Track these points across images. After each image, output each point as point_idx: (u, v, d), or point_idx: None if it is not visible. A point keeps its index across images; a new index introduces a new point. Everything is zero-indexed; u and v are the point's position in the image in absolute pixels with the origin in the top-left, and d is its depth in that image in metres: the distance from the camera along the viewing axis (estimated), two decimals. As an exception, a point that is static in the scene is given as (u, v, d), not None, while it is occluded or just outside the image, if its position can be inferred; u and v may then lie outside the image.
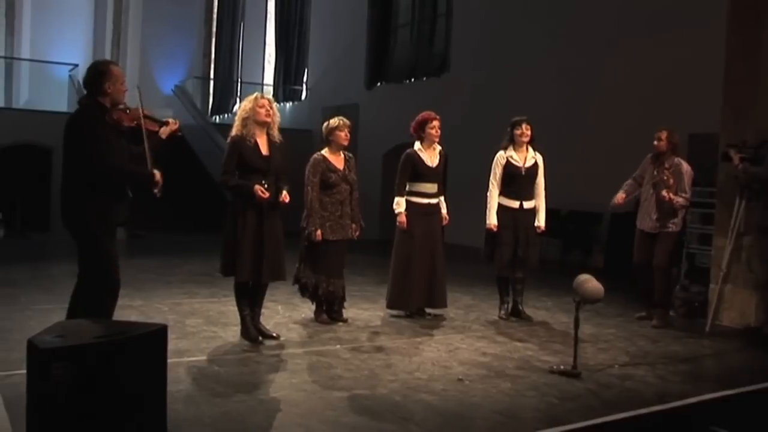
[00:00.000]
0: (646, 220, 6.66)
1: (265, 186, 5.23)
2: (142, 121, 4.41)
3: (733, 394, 4.70)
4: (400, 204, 6.40)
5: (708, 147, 7.65)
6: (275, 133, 5.43)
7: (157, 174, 4.36)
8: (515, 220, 6.48)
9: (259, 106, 5.32)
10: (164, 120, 4.61)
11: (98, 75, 4.31)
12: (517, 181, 6.48)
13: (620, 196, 6.83)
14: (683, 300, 7.10)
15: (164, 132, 4.56)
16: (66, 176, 4.39)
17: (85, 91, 4.43)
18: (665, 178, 6.43)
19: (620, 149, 9.80)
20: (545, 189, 6.58)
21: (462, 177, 11.79)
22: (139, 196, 4.50)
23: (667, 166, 6.50)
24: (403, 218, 6.35)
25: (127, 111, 4.41)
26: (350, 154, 6.26)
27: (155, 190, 4.37)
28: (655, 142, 6.61)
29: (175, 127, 4.60)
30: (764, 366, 5.53)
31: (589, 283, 4.83)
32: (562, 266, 10.30)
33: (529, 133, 6.49)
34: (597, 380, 4.77)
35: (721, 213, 6.93)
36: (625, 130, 10.10)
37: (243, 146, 5.27)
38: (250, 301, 5.50)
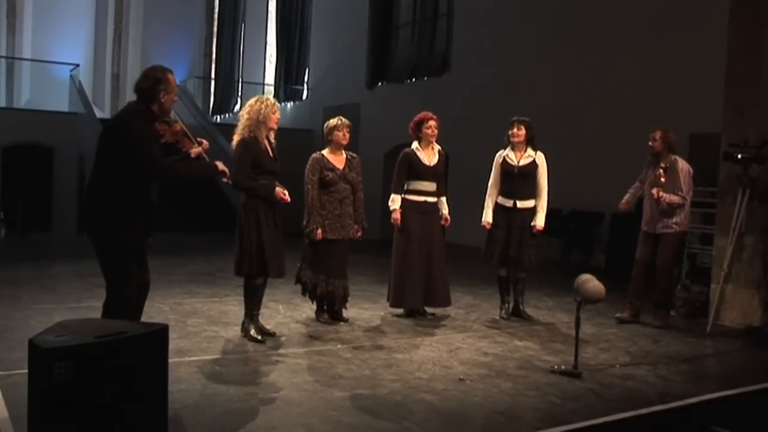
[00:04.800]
0: (648, 220, 6.66)
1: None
2: (182, 139, 4.31)
3: (735, 394, 4.70)
4: (395, 201, 6.41)
5: (710, 146, 7.65)
6: (272, 135, 5.55)
7: (220, 163, 4.33)
8: (509, 219, 6.48)
9: (273, 112, 5.42)
10: (198, 140, 4.47)
11: (155, 82, 4.09)
12: (511, 180, 6.48)
13: (626, 200, 6.83)
14: (684, 300, 7.09)
15: (195, 152, 4.40)
16: (101, 183, 4.12)
17: (136, 96, 4.19)
18: (659, 176, 6.44)
19: (622, 148, 9.80)
20: (548, 189, 6.57)
21: (462, 177, 11.78)
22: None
23: (662, 165, 6.51)
24: (397, 215, 6.36)
25: (169, 125, 4.26)
26: (354, 155, 6.26)
27: (224, 179, 4.41)
28: (650, 143, 6.63)
29: (206, 148, 4.46)
30: (766, 366, 5.53)
31: (590, 282, 4.83)
32: (563, 266, 10.30)
33: (521, 133, 6.47)
34: (598, 380, 4.77)
35: (722, 213, 6.93)
36: (627, 129, 10.08)
37: (257, 148, 5.35)
38: (259, 300, 5.57)
